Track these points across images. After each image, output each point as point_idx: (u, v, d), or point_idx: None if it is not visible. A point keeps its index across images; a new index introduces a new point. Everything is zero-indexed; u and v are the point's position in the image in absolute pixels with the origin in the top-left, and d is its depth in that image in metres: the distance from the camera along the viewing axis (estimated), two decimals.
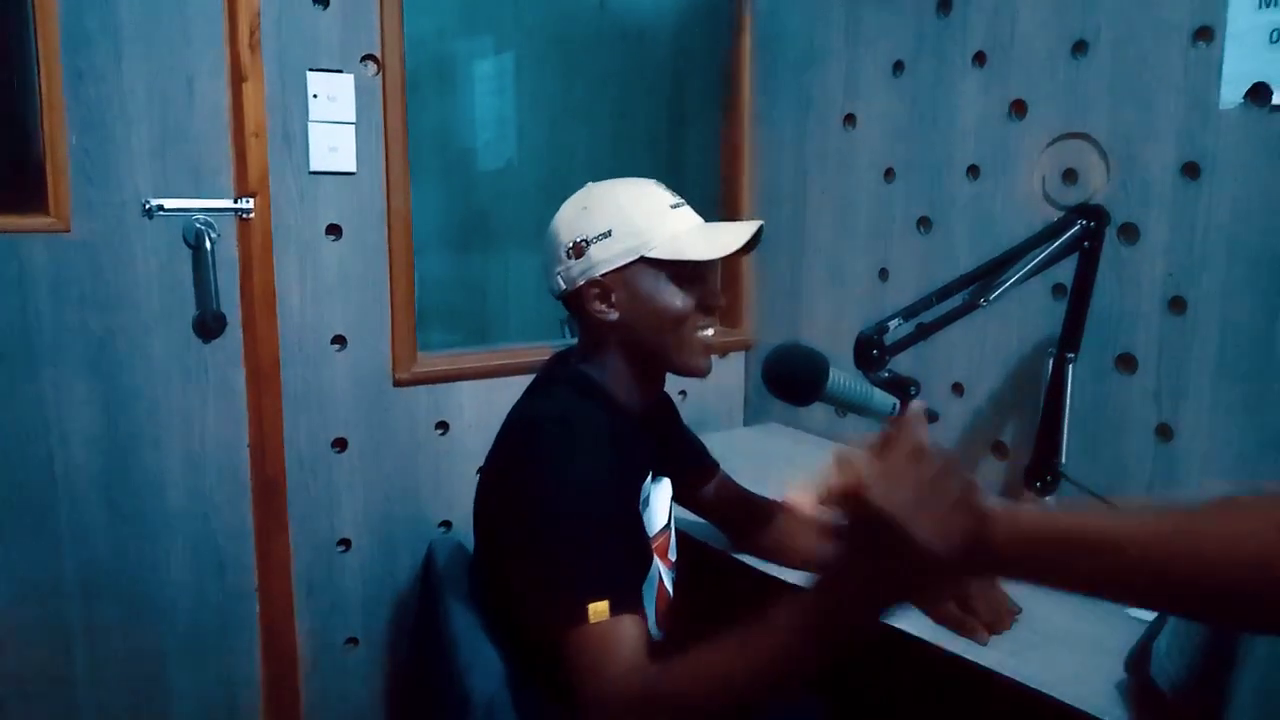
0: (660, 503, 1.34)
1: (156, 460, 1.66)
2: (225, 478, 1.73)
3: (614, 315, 1.22)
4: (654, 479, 1.33)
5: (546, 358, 1.35)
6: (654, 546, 1.29)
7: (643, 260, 1.20)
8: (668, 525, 1.36)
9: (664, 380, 1.32)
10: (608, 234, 1.21)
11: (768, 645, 0.85)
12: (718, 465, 1.55)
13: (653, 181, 1.28)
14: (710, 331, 1.26)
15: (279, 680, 1.82)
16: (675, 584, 1.36)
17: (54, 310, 1.54)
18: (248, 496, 1.75)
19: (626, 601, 1.02)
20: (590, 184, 1.29)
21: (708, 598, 1.39)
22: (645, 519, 1.28)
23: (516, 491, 1.13)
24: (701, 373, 1.27)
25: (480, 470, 1.29)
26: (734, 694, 0.88)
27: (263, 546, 1.77)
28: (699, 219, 1.28)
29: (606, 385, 1.25)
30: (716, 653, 0.89)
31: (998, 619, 1.28)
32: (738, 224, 1.25)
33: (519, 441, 1.18)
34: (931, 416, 1.55)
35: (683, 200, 1.28)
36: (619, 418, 1.24)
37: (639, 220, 1.21)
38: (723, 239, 1.22)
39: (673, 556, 1.36)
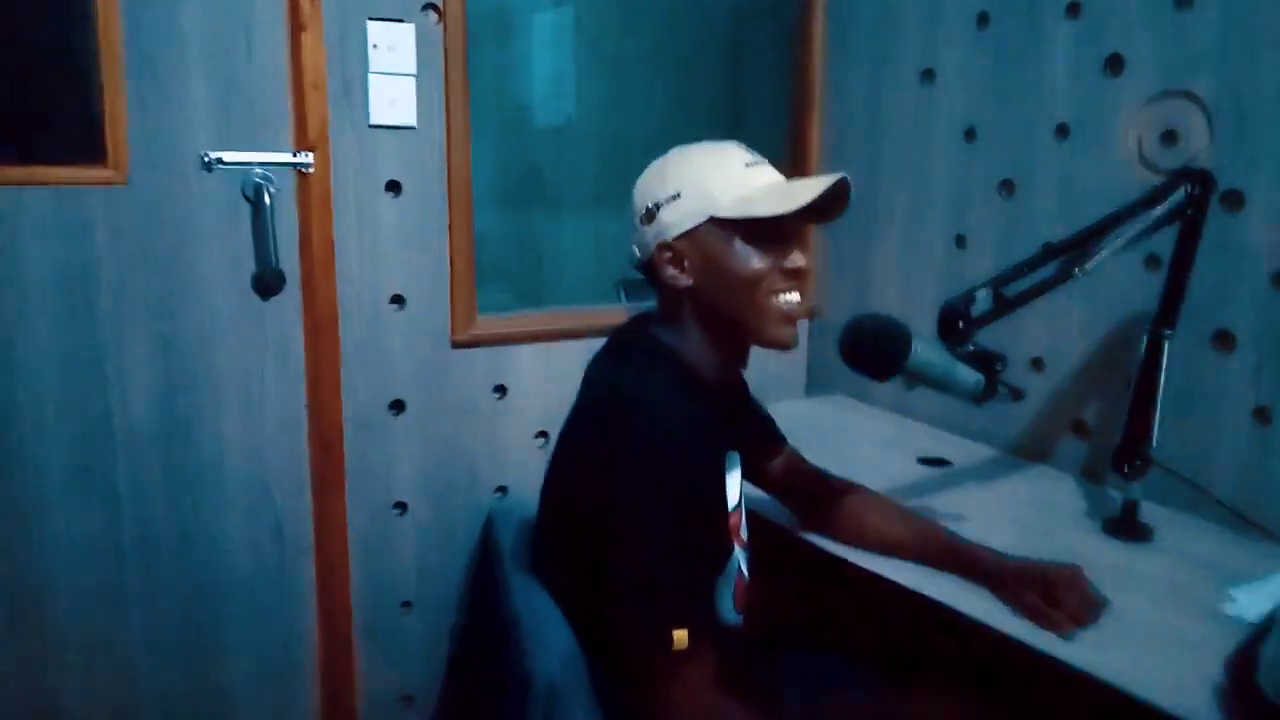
0: (733, 481, 1.28)
1: (214, 418, 1.65)
2: (283, 437, 1.71)
3: (687, 280, 1.16)
4: (730, 454, 1.28)
5: (613, 322, 1.29)
6: (731, 528, 1.24)
7: (712, 221, 1.14)
8: (739, 504, 1.30)
9: (747, 352, 1.24)
10: (677, 196, 1.15)
11: None
12: (785, 440, 1.49)
13: (734, 143, 1.21)
14: (794, 298, 1.17)
15: (334, 641, 1.81)
16: (750, 565, 1.31)
17: (114, 264, 1.53)
18: (305, 457, 1.73)
19: (704, 628, 1.03)
20: (674, 149, 1.22)
21: (782, 578, 1.34)
22: (728, 500, 1.23)
23: (609, 479, 1.07)
24: (783, 344, 1.18)
25: (561, 435, 1.23)
26: None
27: (319, 507, 1.76)
28: (778, 177, 1.20)
29: (687, 355, 1.19)
30: None
31: (1082, 612, 1.20)
32: (818, 179, 1.16)
33: (612, 418, 1.12)
34: (1017, 394, 1.49)
35: (762, 159, 1.20)
36: (701, 393, 1.18)
37: (708, 180, 1.15)
38: (798, 195, 1.13)
39: (745, 536, 1.31)
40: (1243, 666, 0.98)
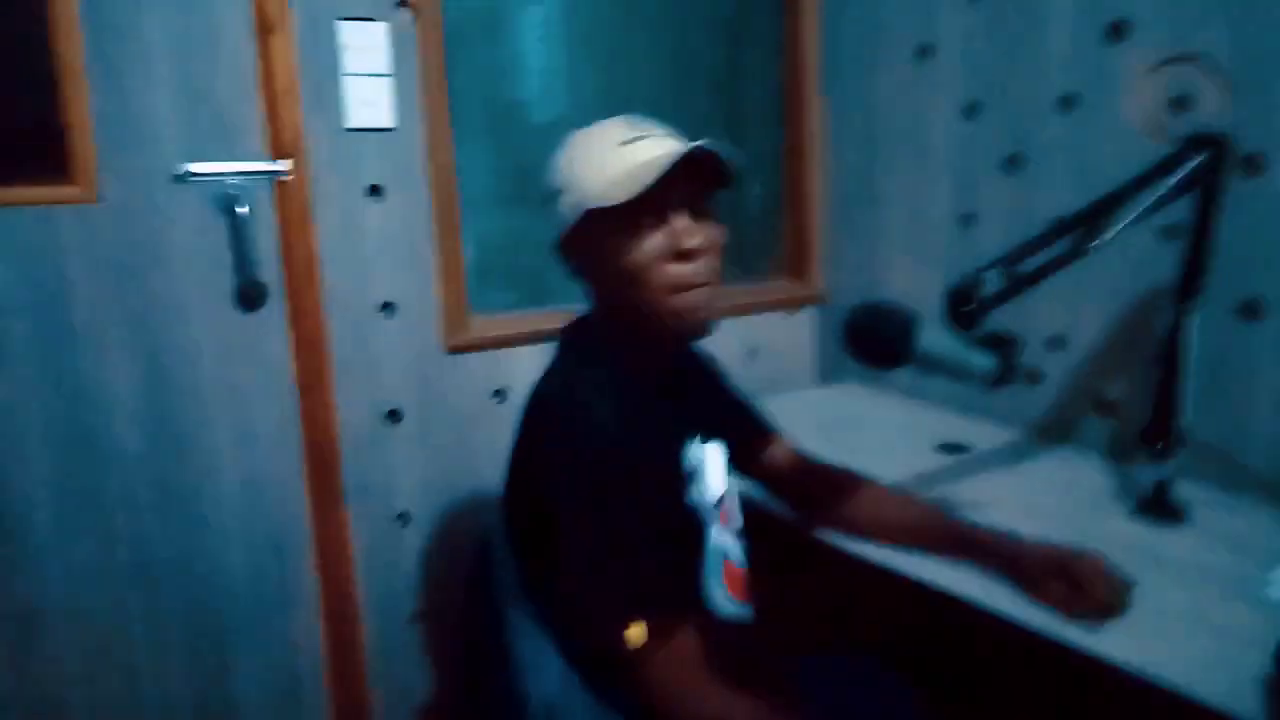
0: (715, 469, 1.22)
1: (204, 436, 1.60)
2: (276, 453, 1.66)
3: (588, 277, 1.13)
4: (704, 444, 1.21)
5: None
6: (719, 519, 1.18)
7: (589, 214, 1.06)
8: (727, 493, 1.24)
9: (664, 341, 1.14)
10: (560, 192, 1.09)
11: None
12: (776, 431, 1.42)
13: (623, 118, 1.11)
14: (697, 282, 1.07)
15: (343, 658, 1.77)
16: (749, 554, 1.25)
17: (89, 285, 1.47)
18: (301, 472, 1.69)
19: (664, 617, 0.99)
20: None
21: (787, 568, 1.28)
22: (699, 488, 1.17)
23: (542, 483, 1.03)
24: (689, 334, 1.11)
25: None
26: None
27: (319, 522, 1.71)
28: (659, 149, 1.06)
29: (614, 345, 1.13)
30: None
31: (1113, 601, 1.13)
32: (677, 147, 1.05)
33: (537, 424, 1.08)
34: (1033, 377, 1.41)
35: (648, 130, 1.09)
36: (634, 381, 1.11)
37: (579, 169, 1.08)
38: (649, 172, 1.02)
39: (738, 524, 1.24)
40: None
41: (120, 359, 1.51)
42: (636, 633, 0.96)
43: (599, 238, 1.07)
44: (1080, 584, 1.13)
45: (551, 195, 1.11)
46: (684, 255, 1.06)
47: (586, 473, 1.00)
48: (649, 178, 1.02)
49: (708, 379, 1.36)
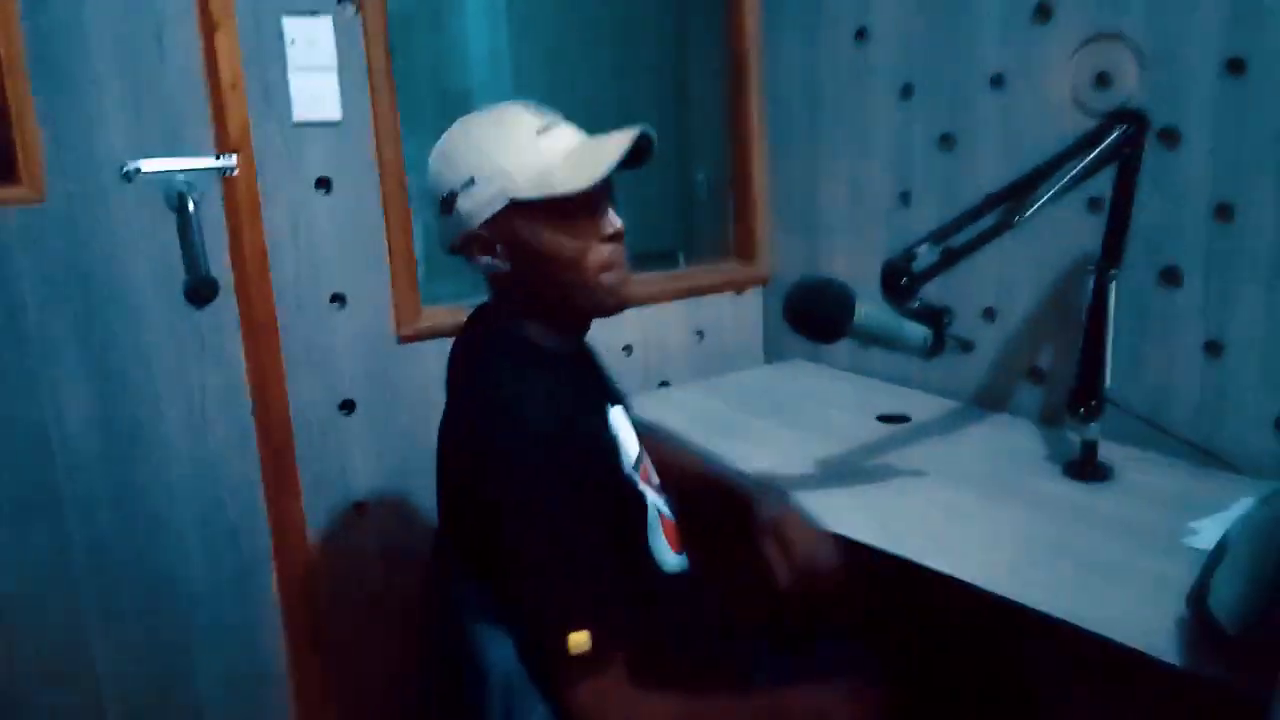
0: (628, 431, 1.25)
1: (157, 432, 1.60)
2: (231, 447, 1.67)
3: (505, 266, 1.12)
4: (613, 410, 1.25)
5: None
6: (641, 477, 1.22)
7: (514, 203, 1.08)
8: (641, 452, 1.27)
9: (584, 321, 1.20)
10: (471, 182, 1.08)
11: None
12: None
13: (519, 104, 1.14)
14: (621, 264, 1.13)
15: (303, 647, 1.78)
16: (672, 507, 1.29)
17: (37, 284, 1.47)
18: (255, 464, 1.70)
19: (607, 628, 1.01)
20: (457, 121, 1.15)
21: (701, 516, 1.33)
22: (624, 453, 1.21)
23: (492, 487, 1.05)
24: (614, 309, 1.16)
25: (440, 445, 1.20)
26: None
27: (276, 513, 1.72)
28: (576, 138, 1.13)
29: (530, 337, 1.16)
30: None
31: (809, 567, 1.22)
32: (615, 136, 1.10)
33: (479, 429, 1.10)
34: (966, 346, 1.47)
35: (555, 119, 1.13)
36: (556, 370, 1.15)
37: (499, 158, 1.08)
38: (598, 163, 1.07)
39: (656, 481, 1.28)
40: (1199, 595, 0.97)
41: (70, 357, 1.51)
42: (580, 639, 0.99)
43: (527, 225, 1.09)
44: (786, 543, 1.23)
45: (461, 186, 1.10)
46: (610, 238, 1.12)
47: (533, 475, 1.03)
48: (601, 170, 1.06)
49: (593, 355, 1.38)
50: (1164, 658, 0.98)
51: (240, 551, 1.71)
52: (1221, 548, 0.98)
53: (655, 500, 1.23)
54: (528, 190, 1.07)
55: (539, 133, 1.10)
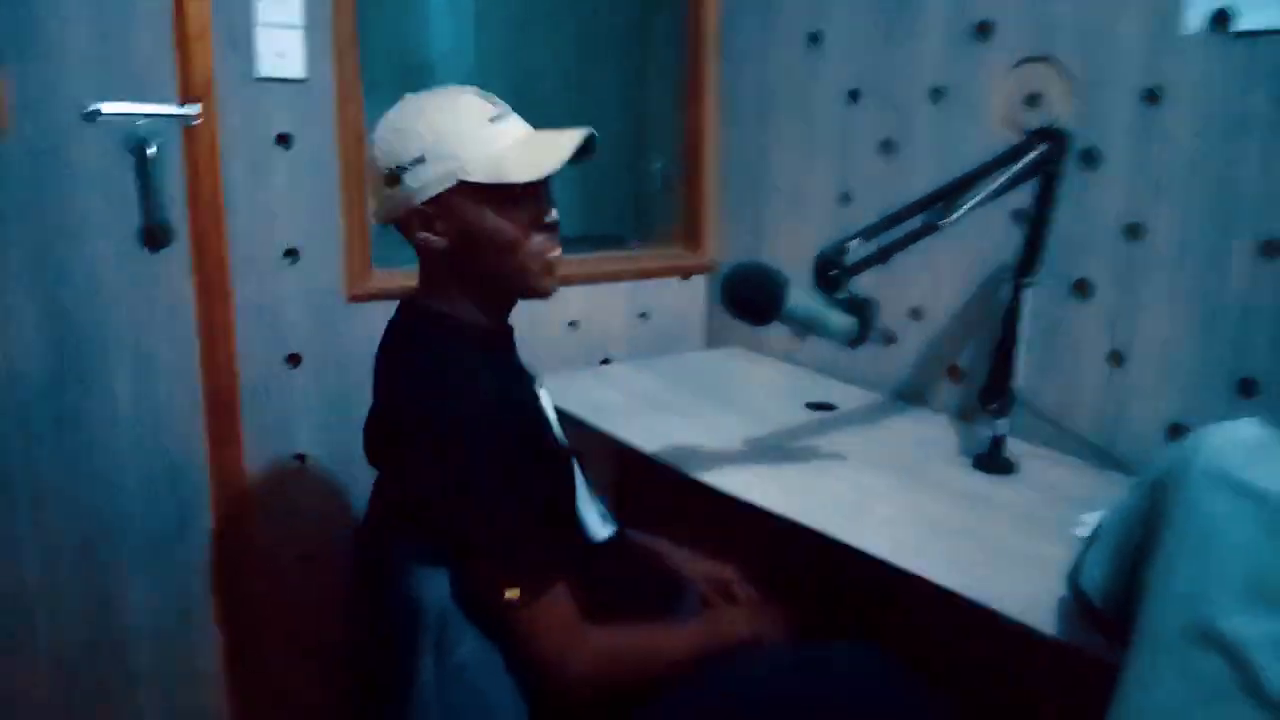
0: (550, 408, 1.34)
1: (103, 369, 1.63)
2: (176, 390, 1.70)
3: (442, 243, 1.17)
4: (539, 387, 1.33)
5: None
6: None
7: (462, 185, 1.13)
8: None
9: (512, 302, 1.27)
10: (421, 159, 1.13)
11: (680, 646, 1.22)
12: None
13: (472, 90, 1.20)
14: (556, 252, 1.21)
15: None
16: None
17: None
18: (199, 409, 1.72)
19: (537, 582, 1.09)
20: (405, 98, 1.20)
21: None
22: (553, 424, 1.29)
23: (432, 465, 1.11)
24: (547, 293, 1.23)
25: (370, 423, 1.30)
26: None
27: (215, 461, 1.75)
28: (524, 130, 1.20)
29: (461, 315, 1.22)
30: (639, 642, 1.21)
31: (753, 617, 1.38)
32: (566, 133, 1.17)
33: (418, 408, 1.15)
34: (889, 338, 1.55)
35: (506, 109, 1.20)
36: (486, 347, 1.22)
37: (452, 140, 1.13)
38: (547, 155, 1.15)
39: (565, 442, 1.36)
40: (1074, 572, 1.06)
41: (19, 291, 1.53)
42: (511, 594, 1.07)
43: (473, 206, 1.15)
44: (732, 596, 1.43)
45: (410, 161, 1.14)
46: (548, 227, 1.19)
47: (477, 444, 1.09)
48: (553, 163, 1.14)
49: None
50: (1043, 629, 1.08)
51: (179, 491, 1.73)
52: (1095, 532, 1.07)
53: (580, 473, 1.31)
54: (478, 174, 1.13)
55: (491, 120, 1.16)
